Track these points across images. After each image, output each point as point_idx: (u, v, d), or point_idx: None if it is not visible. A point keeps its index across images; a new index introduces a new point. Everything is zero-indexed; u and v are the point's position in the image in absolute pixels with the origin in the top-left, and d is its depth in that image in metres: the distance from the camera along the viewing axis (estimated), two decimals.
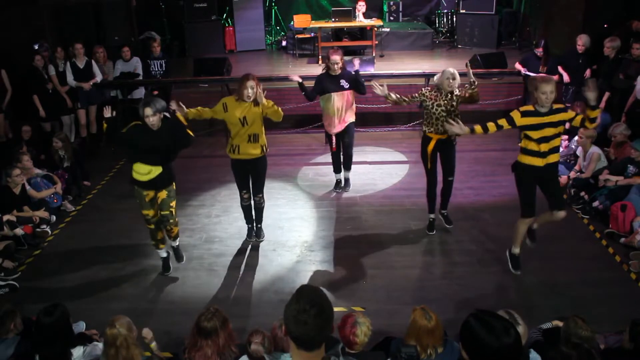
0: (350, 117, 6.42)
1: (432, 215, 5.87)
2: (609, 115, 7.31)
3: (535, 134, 4.59)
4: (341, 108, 6.28)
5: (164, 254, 5.36)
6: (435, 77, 5.56)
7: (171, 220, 5.13)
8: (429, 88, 5.50)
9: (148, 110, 4.66)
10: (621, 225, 5.68)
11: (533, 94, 4.55)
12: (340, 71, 6.19)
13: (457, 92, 5.39)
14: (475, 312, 2.01)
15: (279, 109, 5.37)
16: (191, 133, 4.93)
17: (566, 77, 7.74)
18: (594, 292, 4.89)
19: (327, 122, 6.45)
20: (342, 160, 6.76)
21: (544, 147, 4.61)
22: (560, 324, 3.52)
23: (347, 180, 6.95)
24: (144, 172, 4.83)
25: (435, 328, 3.19)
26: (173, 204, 5.09)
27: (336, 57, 6.14)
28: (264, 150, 5.44)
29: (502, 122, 4.68)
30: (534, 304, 4.68)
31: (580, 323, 3.29)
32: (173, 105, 4.98)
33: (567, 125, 4.73)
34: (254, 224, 5.91)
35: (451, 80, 5.31)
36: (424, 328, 3.17)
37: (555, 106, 4.57)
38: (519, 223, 5.00)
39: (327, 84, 6.22)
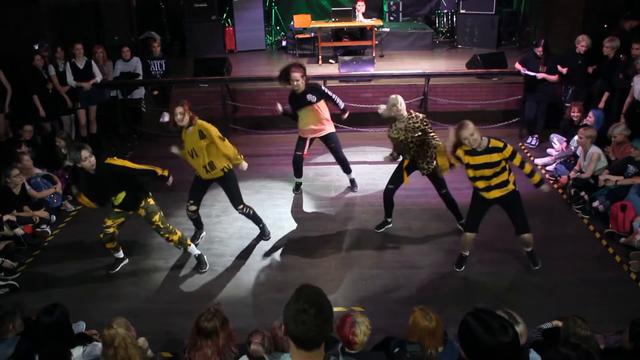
0: (328, 128, 6.47)
1: (389, 219, 6.00)
2: (602, 112, 7.30)
3: (471, 172, 4.74)
4: (314, 121, 6.34)
5: (197, 252, 5.45)
6: (383, 110, 5.48)
7: (161, 232, 5.20)
8: (389, 128, 5.49)
9: (85, 153, 4.79)
10: (621, 225, 5.68)
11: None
12: (304, 87, 6.14)
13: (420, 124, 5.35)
14: (474, 311, 2.01)
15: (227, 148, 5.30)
16: (148, 169, 5.10)
17: (564, 70, 7.71)
18: (594, 292, 4.89)
19: (301, 131, 6.51)
20: (339, 165, 6.81)
21: (481, 184, 4.76)
22: (560, 324, 3.52)
23: (352, 181, 6.99)
24: (113, 198, 5.09)
25: (435, 328, 3.20)
26: (156, 218, 5.15)
27: (296, 75, 6.03)
28: (224, 170, 5.40)
29: (453, 160, 4.88)
30: (534, 304, 4.68)
31: (579, 323, 3.29)
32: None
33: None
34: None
35: (398, 106, 5.31)
36: (425, 329, 3.18)
37: (492, 144, 4.63)
38: (462, 235, 5.21)
39: (295, 103, 6.27)
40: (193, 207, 5.65)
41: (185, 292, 5.13)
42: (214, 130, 5.24)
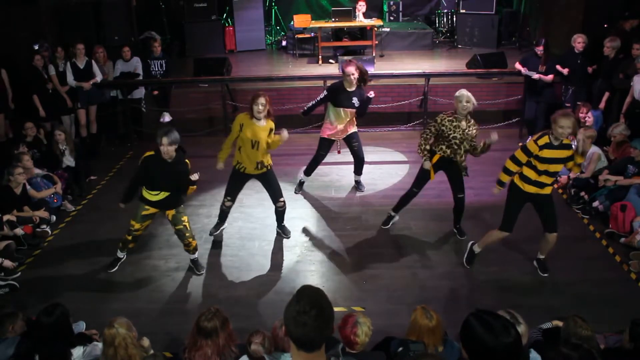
0: (354, 128, 6.52)
1: (394, 213, 6.00)
2: (601, 112, 7.30)
3: (541, 166, 4.64)
4: (346, 122, 6.37)
5: (194, 256, 5.42)
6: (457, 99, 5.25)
7: (187, 234, 5.19)
8: (448, 113, 5.30)
9: (164, 140, 4.74)
10: (621, 225, 5.69)
11: (551, 125, 4.57)
12: (355, 85, 6.15)
13: (474, 130, 5.28)
14: (475, 312, 2.01)
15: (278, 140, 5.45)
16: (193, 183, 5.03)
17: (565, 71, 7.71)
18: (594, 292, 4.90)
19: (329, 131, 6.45)
20: (354, 164, 6.84)
21: (544, 179, 4.69)
22: (560, 324, 3.52)
23: (358, 182, 7.02)
24: (154, 193, 5.01)
25: (436, 327, 3.20)
26: (185, 219, 5.17)
27: (350, 69, 6.06)
28: (268, 168, 5.58)
29: (520, 155, 4.72)
30: (534, 304, 4.68)
31: (580, 323, 3.30)
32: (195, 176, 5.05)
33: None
34: (279, 224, 5.99)
35: (465, 103, 5.13)
36: (425, 327, 3.19)
37: (565, 141, 4.61)
38: (493, 233, 5.10)
39: (342, 98, 6.20)
40: (229, 203, 5.77)
41: (185, 292, 5.13)
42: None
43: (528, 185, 4.76)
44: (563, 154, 4.60)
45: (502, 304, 3.94)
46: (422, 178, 5.63)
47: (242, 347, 3.35)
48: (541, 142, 4.59)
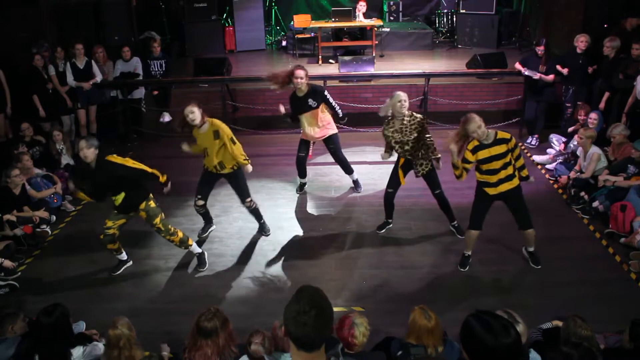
0: (330, 131, 6.45)
1: (389, 220, 6.02)
2: (600, 113, 7.30)
3: (484, 166, 4.77)
4: (314, 124, 6.33)
5: (198, 251, 5.46)
6: (385, 105, 5.42)
7: (162, 234, 5.21)
8: (385, 126, 5.45)
9: (82, 143, 4.77)
10: (621, 225, 5.68)
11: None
12: (306, 89, 6.10)
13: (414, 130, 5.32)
14: (475, 312, 2.01)
15: (238, 153, 5.40)
16: (149, 171, 5.00)
17: (565, 71, 7.71)
18: (594, 292, 4.89)
19: (303, 134, 6.53)
20: (340, 167, 6.81)
21: (493, 178, 4.80)
22: (560, 324, 3.53)
23: (355, 182, 6.97)
24: (114, 198, 5.06)
25: (435, 327, 3.20)
26: (157, 220, 5.12)
27: (300, 72, 5.98)
28: (234, 167, 5.52)
29: (465, 165, 4.88)
30: (534, 304, 4.68)
31: (580, 322, 3.30)
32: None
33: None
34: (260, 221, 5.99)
35: (404, 102, 5.28)
36: (424, 327, 3.19)
37: (500, 136, 4.70)
38: (466, 233, 5.21)
39: (299, 105, 6.22)
40: (201, 202, 5.72)
41: (185, 292, 5.12)
42: (227, 132, 5.36)
43: (488, 188, 4.90)
44: (500, 149, 4.69)
45: (502, 304, 3.94)
46: (394, 178, 5.69)
47: (242, 347, 3.36)
48: (470, 146, 4.75)
